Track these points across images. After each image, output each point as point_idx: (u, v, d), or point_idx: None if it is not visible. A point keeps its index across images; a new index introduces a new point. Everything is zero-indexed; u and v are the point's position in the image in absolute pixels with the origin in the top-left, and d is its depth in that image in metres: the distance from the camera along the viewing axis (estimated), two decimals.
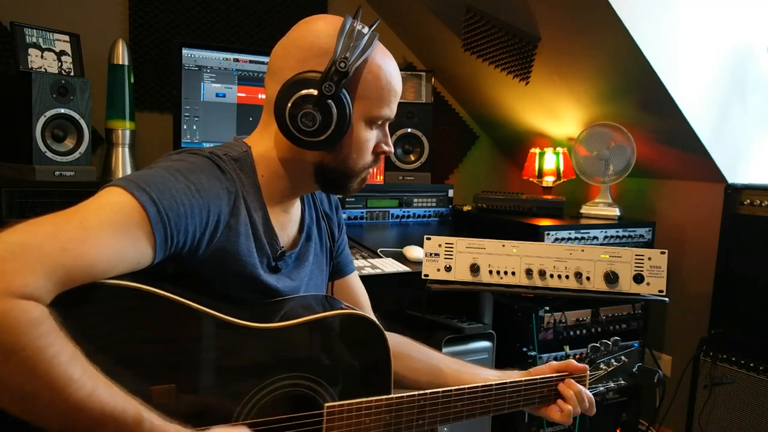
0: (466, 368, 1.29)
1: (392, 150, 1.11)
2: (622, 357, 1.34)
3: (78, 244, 0.76)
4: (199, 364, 0.89)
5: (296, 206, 1.15)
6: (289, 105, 0.97)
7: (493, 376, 1.25)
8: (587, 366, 1.28)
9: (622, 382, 1.34)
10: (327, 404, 0.98)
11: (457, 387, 1.12)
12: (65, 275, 0.74)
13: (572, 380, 1.24)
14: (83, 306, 0.79)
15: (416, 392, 1.07)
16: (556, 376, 1.24)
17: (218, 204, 0.94)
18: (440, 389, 1.10)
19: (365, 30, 1.00)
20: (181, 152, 0.99)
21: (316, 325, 0.99)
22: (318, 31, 1.01)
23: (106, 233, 0.79)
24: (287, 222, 1.12)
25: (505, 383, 1.18)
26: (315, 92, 0.97)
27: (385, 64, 1.04)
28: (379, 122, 1.06)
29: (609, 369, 1.32)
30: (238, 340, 0.92)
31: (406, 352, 1.28)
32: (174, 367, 0.86)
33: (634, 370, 1.34)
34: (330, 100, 0.97)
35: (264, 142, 1.06)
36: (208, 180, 0.94)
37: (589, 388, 1.28)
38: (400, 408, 1.04)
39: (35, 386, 0.70)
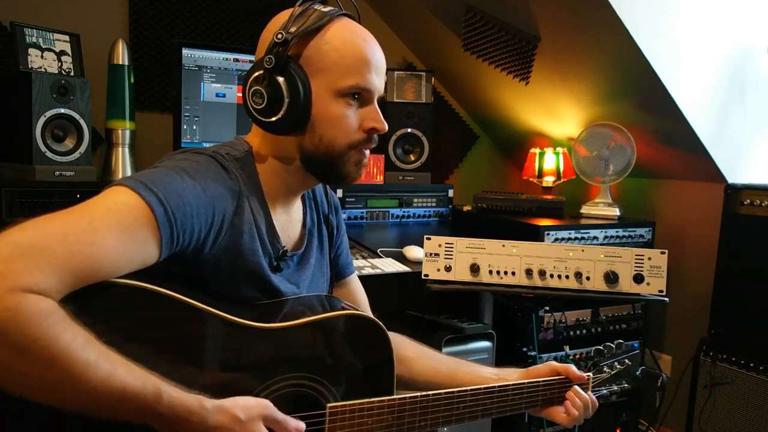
0: (463, 366, 1.28)
1: (384, 126, 1.04)
2: (626, 360, 1.34)
3: (86, 245, 0.76)
4: (202, 364, 0.89)
5: (298, 207, 1.15)
6: (248, 92, 1.00)
7: (491, 374, 1.25)
8: (585, 375, 1.27)
9: (626, 385, 1.35)
10: (330, 404, 0.98)
11: (459, 389, 1.11)
12: (73, 276, 0.75)
13: (580, 390, 1.23)
14: (89, 305, 0.79)
15: (419, 393, 1.07)
16: (558, 380, 1.24)
17: (223, 203, 0.95)
18: (443, 390, 1.09)
19: (327, 10, 1.00)
20: (185, 152, 1.00)
21: (319, 326, 1.00)
22: (277, 20, 1.02)
23: (113, 235, 0.79)
24: (289, 222, 1.12)
25: (508, 385, 1.18)
26: (261, 71, 0.98)
27: (348, 34, 1.00)
28: (355, 95, 1.01)
29: (612, 372, 1.32)
30: (242, 340, 0.92)
31: (403, 351, 1.27)
32: (178, 366, 0.86)
33: (638, 373, 1.34)
34: (275, 74, 0.97)
35: (256, 141, 1.07)
36: (213, 179, 0.94)
37: (591, 391, 1.27)
38: (403, 409, 1.04)
39: (56, 374, 0.71)
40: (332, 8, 1.02)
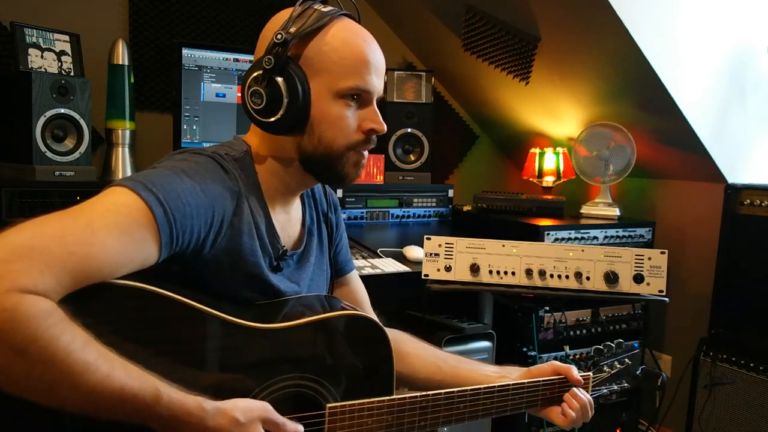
0: (464, 364, 1.27)
1: (383, 127, 1.03)
2: (626, 359, 1.33)
3: (85, 246, 0.76)
4: (202, 364, 0.89)
5: (297, 206, 1.15)
6: (246, 92, 1.00)
7: (492, 372, 1.24)
8: (584, 379, 1.26)
9: (626, 384, 1.34)
10: (329, 405, 0.98)
11: (459, 389, 1.11)
12: (72, 277, 0.75)
13: (578, 392, 1.22)
14: (88, 306, 0.79)
15: (418, 393, 1.06)
16: (558, 379, 1.23)
17: (222, 204, 0.95)
18: (443, 390, 1.09)
19: (327, 10, 1.00)
20: (184, 152, 1.00)
21: (319, 326, 1.00)
22: (277, 19, 1.02)
23: (112, 235, 0.79)
24: (288, 222, 1.12)
25: (508, 385, 1.17)
26: (261, 71, 0.98)
27: (349, 34, 1.00)
28: (354, 96, 1.01)
29: (612, 371, 1.32)
30: (242, 340, 0.92)
31: (405, 348, 1.27)
32: (177, 367, 0.86)
33: (638, 372, 1.34)
34: (274, 75, 0.97)
35: (255, 141, 1.07)
36: (213, 180, 0.95)
37: (592, 391, 1.27)
38: (402, 409, 1.04)
39: (55, 374, 0.71)
40: (332, 8, 1.02)
